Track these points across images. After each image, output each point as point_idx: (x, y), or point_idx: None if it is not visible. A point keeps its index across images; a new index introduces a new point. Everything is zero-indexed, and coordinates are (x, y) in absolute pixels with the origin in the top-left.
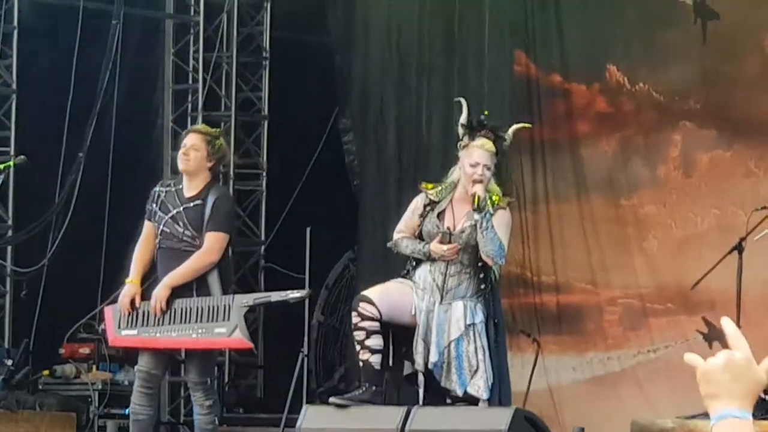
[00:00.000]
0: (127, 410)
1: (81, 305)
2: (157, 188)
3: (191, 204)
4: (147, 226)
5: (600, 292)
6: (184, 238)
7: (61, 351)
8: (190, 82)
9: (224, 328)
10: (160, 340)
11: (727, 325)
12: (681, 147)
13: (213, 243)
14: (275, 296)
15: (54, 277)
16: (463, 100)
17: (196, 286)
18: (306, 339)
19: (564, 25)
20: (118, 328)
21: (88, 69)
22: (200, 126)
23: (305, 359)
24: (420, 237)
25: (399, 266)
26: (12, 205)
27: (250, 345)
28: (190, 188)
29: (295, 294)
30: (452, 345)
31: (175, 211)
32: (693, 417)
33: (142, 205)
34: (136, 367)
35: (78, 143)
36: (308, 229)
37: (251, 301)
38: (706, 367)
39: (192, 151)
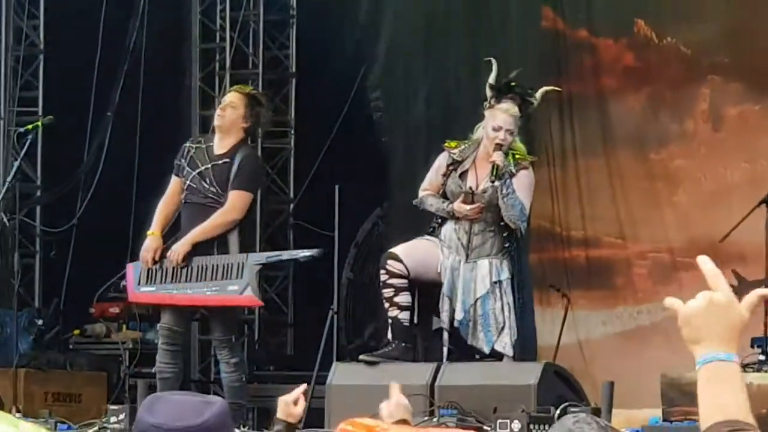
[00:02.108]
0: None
1: (110, 265)
2: (187, 144)
3: (219, 161)
4: (174, 182)
5: (629, 246)
6: (209, 195)
7: (92, 310)
8: (218, 41)
9: (237, 285)
10: (176, 297)
11: (704, 264)
12: (709, 101)
13: (236, 201)
14: (286, 254)
15: (83, 237)
16: (493, 61)
17: (217, 244)
18: (336, 296)
19: None
20: (137, 284)
21: (115, 29)
22: (245, 87)
23: (335, 316)
24: (444, 196)
25: (428, 223)
26: (40, 166)
27: (260, 303)
28: (220, 146)
29: (305, 253)
30: (478, 303)
31: (203, 168)
32: None
33: (170, 164)
34: (158, 325)
35: (106, 103)
36: (337, 187)
37: (263, 259)
38: (686, 310)
39: (229, 108)
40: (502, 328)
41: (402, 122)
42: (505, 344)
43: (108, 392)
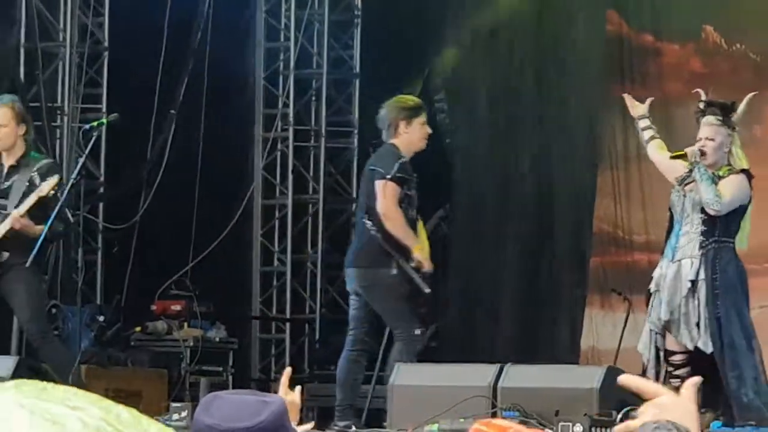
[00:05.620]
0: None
1: (173, 262)
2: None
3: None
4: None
5: None
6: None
7: (153, 308)
8: (282, 40)
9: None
10: None
11: (629, 382)
12: None
13: None
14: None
15: (146, 234)
16: (700, 91)
17: None
18: None
19: None
20: None
21: (180, 26)
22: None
23: None
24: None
25: (490, 224)
26: (104, 162)
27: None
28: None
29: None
30: (682, 302)
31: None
32: None
33: (233, 162)
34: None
35: (170, 100)
36: None
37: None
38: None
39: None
40: (697, 325)
41: (465, 124)
42: (705, 342)
43: (168, 389)
